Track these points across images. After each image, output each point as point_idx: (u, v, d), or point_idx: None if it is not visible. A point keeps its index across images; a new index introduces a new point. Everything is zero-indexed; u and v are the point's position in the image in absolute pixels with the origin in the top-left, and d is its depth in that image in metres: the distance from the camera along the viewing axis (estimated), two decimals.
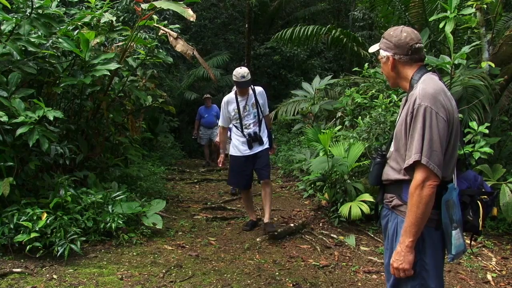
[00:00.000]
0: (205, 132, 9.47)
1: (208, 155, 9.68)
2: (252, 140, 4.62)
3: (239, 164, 4.71)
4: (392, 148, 1.95)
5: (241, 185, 4.91)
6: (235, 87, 5.79)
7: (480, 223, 1.84)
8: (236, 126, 4.70)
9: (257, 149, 4.64)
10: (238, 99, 4.63)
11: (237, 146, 4.71)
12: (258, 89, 4.74)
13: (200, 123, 9.54)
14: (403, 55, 1.89)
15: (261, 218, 5.05)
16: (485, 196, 1.88)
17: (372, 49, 2.03)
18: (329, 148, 5.10)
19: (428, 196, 1.72)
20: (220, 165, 4.96)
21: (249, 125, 4.63)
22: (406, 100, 1.89)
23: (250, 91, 4.67)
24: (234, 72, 4.52)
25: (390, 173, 1.93)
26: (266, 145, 4.70)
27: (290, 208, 5.86)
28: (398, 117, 1.94)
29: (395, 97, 5.44)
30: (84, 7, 6.50)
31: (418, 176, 1.74)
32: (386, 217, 2.02)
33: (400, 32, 1.90)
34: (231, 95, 4.71)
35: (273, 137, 5.07)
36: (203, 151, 10.14)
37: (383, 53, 1.95)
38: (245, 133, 4.63)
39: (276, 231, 4.48)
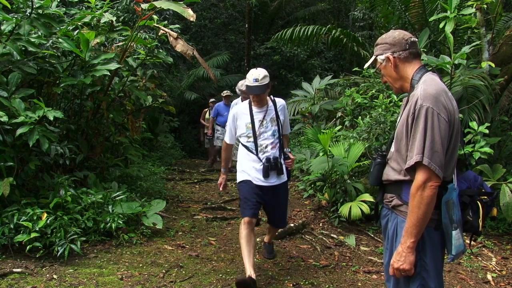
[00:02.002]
0: (223, 133, 8.72)
1: (214, 159, 8.90)
2: (271, 167, 3.48)
3: (251, 188, 3.51)
4: (392, 149, 1.95)
5: (249, 212, 3.48)
6: (240, 97, 4.99)
7: (480, 223, 1.84)
8: (247, 147, 3.56)
9: (274, 180, 3.52)
10: (253, 111, 3.56)
11: (248, 172, 3.55)
12: (280, 101, 3.68)
13: (217, 122, 8.44)
14: (402, 51, 1.90)
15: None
16: (485, 197, 1.88)
17: (367, 63, 2.05)
18: (329, 148, 5.10)
19: (429, 197, 1.72)
20: (221, 189, 3.85)
21: (266, 146, 3.51)
22: (407, 101, 1.89)
23: (270, 102, 3.62)
24: (248, 74, 3.53)
25: (391, 173, 1.93)
26: (285, 177, 3.61)
27: (290, 208, 5.85)
28: (399, 117, 1.94)
29: (395, 97, 5.45)
30: (84, 7, 6.50)
31: (420, 177, 1.74)
32: (386, 217, 2.02)
33: (392, 33, 1.95)
34: (243, 105, 3.64)
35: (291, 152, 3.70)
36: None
37: (381, 57, 1.95)
38: (261, 157, 3.50)
39: (274, 257, 3.95)
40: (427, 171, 1.72)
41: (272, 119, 3.57)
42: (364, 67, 2.15)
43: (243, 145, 3.60)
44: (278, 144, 3.55)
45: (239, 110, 3.61)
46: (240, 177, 3.62)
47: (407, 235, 1.77)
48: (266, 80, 3.44)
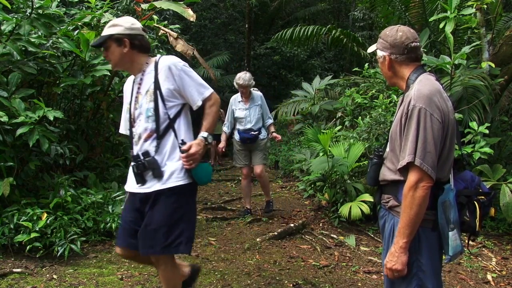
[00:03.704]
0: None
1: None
2: (138, 168, 2.32)
3: (127, 202, 2.51)
4: (388, 149, 1.95)
5: (120, 241, 2.54)
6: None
7: (477, 223, 1.83)
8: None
9: (152, 186, 2.32)
10: (135, 81, 2.44)
11: (128, 174, 2.50)
12: (166, 61, 2.34)
13: None
14: (399, 55, 1.88)
15: None
16: (482, 197, 1.87)
17: (370, 49, 2.03)
18: (329, 148, 5.10)
19: (421, 198, 1.72)
20: None
21: (140, 136, 2.36)
22: (402, 101, 1.89)
23: (150, 66, 2.38)
24: None
25: (387, 173, 1.93)
26: (174, 182, 2.30)
27: (290, 208, 5.87)
28: (394, 117, 1.94)
29: (395, 97, 5.45)
30: (84, 7, 6.49)
31: (412, 177, 1.74)
32: (383, 217, 2.01)
33: (396, 32, 1.89)
34: (132, 77, 2.54)
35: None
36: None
37: (380, 53, 1.95)
38: (134, 152, 2.40)
39: None
40: (419, 171, 1.72)
41: (148, 92, 2.33)
42: (368, 50, 2.13)
43: None
44: (156, 132, 2.31)
45: (127, 83, 2.54)
46: None
47: (399, 236, 1.77)
48: (111, 30, 2.29)
